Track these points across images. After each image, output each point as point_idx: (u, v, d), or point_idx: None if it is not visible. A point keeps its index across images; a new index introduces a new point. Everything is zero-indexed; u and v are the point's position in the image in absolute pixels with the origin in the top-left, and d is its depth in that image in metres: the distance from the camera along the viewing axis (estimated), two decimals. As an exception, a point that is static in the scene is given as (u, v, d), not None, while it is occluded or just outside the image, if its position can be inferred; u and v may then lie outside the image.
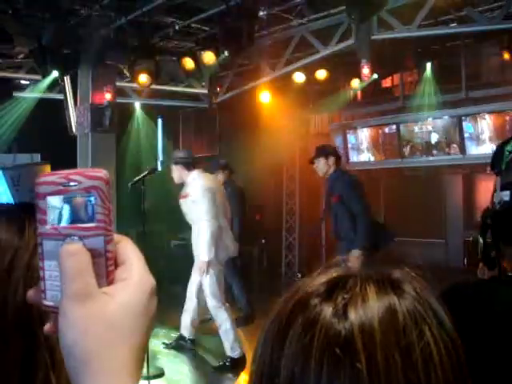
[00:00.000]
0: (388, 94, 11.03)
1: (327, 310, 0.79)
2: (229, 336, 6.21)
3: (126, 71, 9.00)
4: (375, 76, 9.36)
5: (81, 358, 0.60)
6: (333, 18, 8.02)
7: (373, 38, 7.69)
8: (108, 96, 8.47)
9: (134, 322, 0.63)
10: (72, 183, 0.64)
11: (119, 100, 9.42)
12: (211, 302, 6.22)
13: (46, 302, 0.65)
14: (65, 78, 9.02)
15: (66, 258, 0.62)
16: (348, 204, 6.25)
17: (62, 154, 9.14)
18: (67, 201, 0.65)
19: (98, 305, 0.61)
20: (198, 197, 6.22)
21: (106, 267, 0.64)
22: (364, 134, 10.77)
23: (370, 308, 0.78)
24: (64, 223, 0.65)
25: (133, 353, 0.62)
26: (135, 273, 0.65)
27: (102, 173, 0.65)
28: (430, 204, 10.34)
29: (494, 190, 2.06)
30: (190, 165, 6.48)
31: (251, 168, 12.38)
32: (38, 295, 0.66)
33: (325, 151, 6.65)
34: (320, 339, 0.77)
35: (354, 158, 10.91)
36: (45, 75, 8.78)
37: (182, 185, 6.57)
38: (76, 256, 0.62)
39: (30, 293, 0.67)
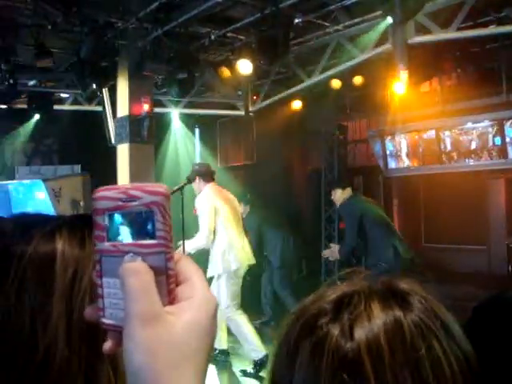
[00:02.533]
0: (427, 98, 10.89)
1: (334, 331, 0.78)
2: (248, 339, 6.32)
3: (163, 82, 9.10)
4: (413, 81, 9.26)
5: (148, 379, 0.59)
6: (369, 24, 7.96)
7: (410, 42, 7.60)
8: (146, 107, 8.56)
9: (198, 342, 0.61)
10: (132, 199, 0.62)
11: (157, 110, 9.51)
12: (224, 311, 6.33)
13: (105, 320, 0.64)
14: (103, 90, 9.16)
15: (128, 277, 0.60)
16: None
17: (102, 164, 9.31)
18: (127, 217, 0.63)
19: (165, 326, 0.60)
20: (199, 210, 6.42)
21: (167, 285, 0.62)
22: (402, 140, 10.64)
23: (376, 325, 0.77)
24: (124, 240, 0.63)
25: (197, 372, 0.61)
26: (198, 292, 0.63)
27: (162, 188, 0.63)
28: (472, 210, 10.17)
29: None
30: (206, 177, 6.66)
31: (289, 175, 12.38)
32: (96, 313, 0.64)
33: (342, 183, 7.64)
34: (328, 363, 0.76)
35: (392, 164, 10.79)
36: (84, 88, 8.93)
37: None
38: (139, 274, 0.60)
39: (88, 310, 0.66)
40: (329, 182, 12.19)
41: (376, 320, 0.77)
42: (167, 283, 0.62)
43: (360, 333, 0.76)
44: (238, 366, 6.71)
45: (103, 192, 0.64)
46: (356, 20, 7.96)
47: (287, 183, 12.33)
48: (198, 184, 6.66)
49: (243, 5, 7.31)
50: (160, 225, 0.62)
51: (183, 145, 12.23)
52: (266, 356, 6.28)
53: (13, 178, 11.07)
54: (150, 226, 0.62)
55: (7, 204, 10.02)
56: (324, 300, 0.83)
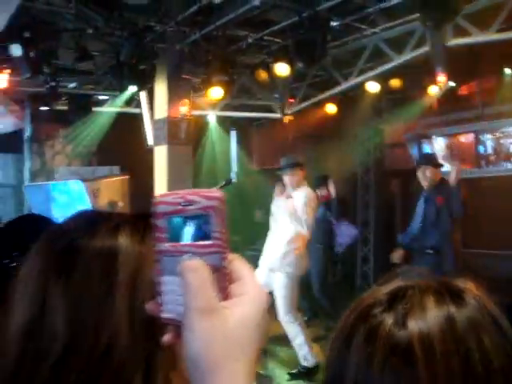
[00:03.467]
0: (465, 101, 10.76)
1: (388, 320, 0.82)
2: (303, 348, 6.21)
3: (200, 84, 9.18)
4: (452, 83, 9.17)
5: (205, 368, 0.64)
6: (406, 26, 7.92)
7: (448, 44, 7.53)
8: (184, 109, 8.65)
9: (251, 335, 0.66)
10: (189, 203, 0.67)
11: (194, 113, 9.60)
12: (283, 316, 6.20)
13: (165, 315, 0.69)
14: (141, 92, 9.29)
15: (189, 273, 0.65)
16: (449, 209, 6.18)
17: (140, 166, 9.42)
18: (185, 220, 0.68)
19: (221, 319, 0.65)
20: (306, 204, 6.42)
21: (222, 283, 0.67)
22: (440, 144, 10.54)
23: (429, 317, 0.80)
24: (182, 241, 0.68)
25: (250, 364, 0.65)
26: (251, 289, 0.68)
27: (218, 193, 0.68)
28: (510, 214, 10.00)
29: None
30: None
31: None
32: (157, 308, 0.70)
33: (436, 161, 6.63)
34: (381, 349, 0.79)
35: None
36: (123, 90, 9.07)
37: (255, 195, 6.66)
38: (198, 271, 0.65)
39: (149, 305, 0.72)
40: (365, 185, 12.14)
41: (429, 312, 0.80)
42: (222, 281, 0.67)
43: (413, 323, 0.79)
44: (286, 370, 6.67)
45: (163, 197, 0.69)
46: (393, 23, 7.92)
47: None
48: (298, 177, 6.53)
49: (281, 8, 7.34)
50: (216, 227, 0.67)
51: (220, 147, 12.30)
52: (318, 365, 6.21)
53: (52, 179, 11.27)
54: (206, 228, 0.67)
55: (47, 203, 10.20)
56: (379, 292, 0.87)
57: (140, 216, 1.02)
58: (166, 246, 0.68)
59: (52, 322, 0.89)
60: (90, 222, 0.98)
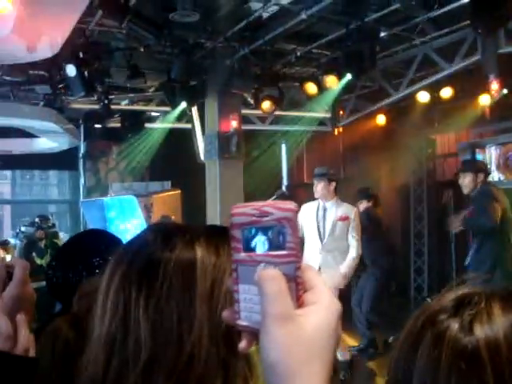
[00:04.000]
0: (519, 109, 10.54)
1: (454, 326, 0.82)
2: None
3: (250, 99, 9.25)
4: (505, 91, 9.00)
5: (283, 374, 0.65)
6: (457, 34, 7.82)
7: (500, 51, 7.40)
8: (234, 123, 8.73)
9: (326, 342, 0.67)
10: (264, 214, 0.70)
11: (245, 127, 9.67)
12: None
13: (241, 322, 0.71)
14: (192, 108, 9.42)
15: (266, 282, 0.68)
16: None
17: (192, 181, 9.55)
18: (261, 230, 0.70)
19: (298, 325, 0.66)
20: (352, 219, 6.47)
21: (296, 291, 0.69)
22: (494, 152, 10.34)
23: (495, 323, 0.80)
24: (258, 251, 0.70)
25: (324, 369, 0.67)
26: (324, 298, 0.70)
27: (292, 205, 0.70)
28: None
29: None
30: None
31: (377, 190, 12.22)
32: (233, 316, 0.72)
33: (475, 166, 6.31)
34: (448, 353, 0.80)
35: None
36: (174, 106, 9.21)
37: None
38: (275, 280, 0.68)
39: (225, 313, 0.74)
40: (418, 197, 11.99)
41: (496, 319, 0.81)
42: (296, 289, 0.69)
43: (479, 328, 0.80)
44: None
45: (239, 209, 0.72)
46: (443, 31, 7.83)
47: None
48: (330, 188, 6.48)
49: (328, 21, 7.36)
50: (290, 237, 0.69)
51: (271, 160, 12.32)
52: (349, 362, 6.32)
53: (107, 194, 11.50)
54: (281, 239, 0.69)
55: (102, 218, 10.42)
56: (445, 299, 0.88)
57: (214, 228, 1.07)
58: (242, 255, 0.71)
59: (136, 334, 0.92)
60: (165, 235, 1.01)
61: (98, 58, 7.76)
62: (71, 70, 7.34)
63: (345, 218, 6.42)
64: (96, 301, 0.98)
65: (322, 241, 6.42)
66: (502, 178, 10.27)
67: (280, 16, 7.16)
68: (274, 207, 0.69)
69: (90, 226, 10.23)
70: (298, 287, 0.69)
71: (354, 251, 6.40)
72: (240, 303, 0.71)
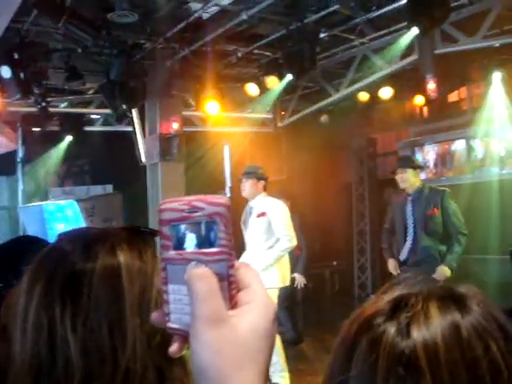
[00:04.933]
0: (456, 108, 10.82)
1: (391, 329, 0.79)
2: (275, 366, 6.05)
3: (191, 100, 9.19)
4: (441, 91, 9.21)
5: (214, 378, 0.62)
6: (394, 35, 7.96)
7: (436, 52, 7.58)
8: (175, 125, 8.66)
9: (259, 343, 0.64)
10: (195, 210, 0.65)
11: (186, 129, 9.60)
12: None
13: (171, 325, 0.67)
14: (133, 110, 9.29)
15: (195, 281, 0.64)
16: (444, 219, 6.02)
17: (133, 183, 9.43)
18: (191, 227, 0.66)
19: (230, 327, 0.63)
20: (276, 213, 6.13)
21: (229, 291, 0.65)
22: (432, 151, 10.58)
23: (433, 325, 0.78)
24: (188, 249, 0.66)
25: (259, 372, 0.64)
26: (259, 297, 0.66)
27: (223, 199, 0.66)
28: (505, 219, 10.01)
29: None
30: (265, 184, 6.34)
31: (319, 189, 12.36)
32: (162, 318, 0.68)
33: (413, 162, 6.37)
34: (384, 358, 0.77)
35: (422, 175, 10.70)
36: (114, 109, 9.06)
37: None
38: (205, 279, 0.64)
39: (155, 315, 0.69)
40: (359, 195, 12.15)
41: (433, 320, 0.78)
42: (229, 289, 0.65)
43: (416, 331, 0.77)
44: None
45: (168, 204, 0.67)
46: (381, 32, 7.96)
47: (318, 197, 12.30)
48: (258, 187, 6.23)
49: (268, 21, 7.38)
50: (222, 234, 0.65)
51: (213, 162, 12.29)
52: None
53: (46, 199, 11.24)
54: (212, 235, 0.65)
55: (42, 224, 10.17)
56: (381, 301, 0.85)
57: (133, 231, 1.01)
58: (171, 253, 0.66)
59: (66, 356, 0.86)
60: (85, 244, 0.95)
61: (35, 58, 7.56)
62: (6, 72, 7.13)
63: (261, 214, 6.12)
64: (13, 324, 0.90)
65: (246, 240, 6.27)
66: (439, 176, 10.51)
67: (220, 17, 7.14)
68: (205, 202, 0.65)
69: (29, 233, 9.97)
70: (230, 286, 0.65)
71: (280, 244, 6.01)
72: (170, 304, 0.67)
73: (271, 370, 5.97)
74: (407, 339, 0.77)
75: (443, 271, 5.81)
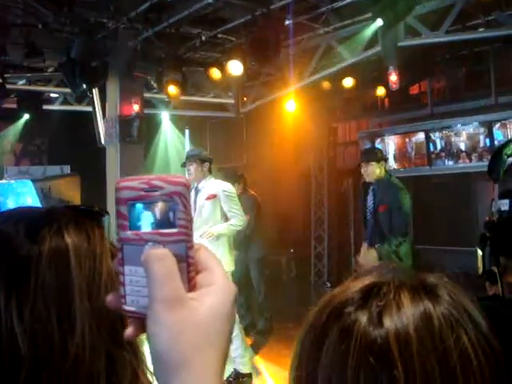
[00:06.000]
0: (416, 100, 10.96)
1: (362, 318, 0.79)
2: (237, 351, 6.06)
3: (153, 82, 9.09)
4: (403, 83, 9.30)
5: (173, 362, 0.61)
6: (359, 26, 7.99)
7: (400, 44, 7.64)
8: (136, 107, 8.54)
9: (220, 326, 0.63)
10: (154, 189, 0.63)
11: (147, 111, 9.50)
12: None
13: (127, 307, 0.65)
14: (93, 90, 9.14)
15: (153, 263, 0.62)
16: (391, 215, 6.02)
17: (91, 165, 9.29)
18: (149, 206, 0.64)
19: (189, 309, 0.62)
20: (227, 195, 6.10)
21: (187, 273, 0.64)
22: (392, 142, 10.70)
23: (405, 314, 0.78)
24: (146, 229, 0.64)
25: (219, 355, 0.63)
26: (219, 279, 0.65)
27: (183, 178, 0.64)
28: (461, 211, 10.22)
29: (493, 199, 1.96)
30: (210, 166, 6.29)
31: (279, 177, 12.40)
32: (118, 300, 0.66)
33: (376, 155, 6.33)
34: (356, 348, 0.77)
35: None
36: (74, 88, 8.89)
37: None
38: (163, 260, 0.62)
39: (110, 298, 0.67)
40: (319, 184, 12.23)
41: (405, 309, 0.78)
42: (188, 271, 0.64)
43: (388, 321, 0.77)
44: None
45: (126, 182, 0.65)
46: (346, 22, 7.99)
47: (277, 185, 12.35)
48: (203, 169, 6.12)
49: (234, 6, 7.32)
50: (181, 214, 0.63)
51: (173, 146, 12.22)
52: (250, 373, 6.08)
53: (1, 178, 11.02)
54: (171, 216, 0.63)
55: (-5, 204, 9.97)
56: (352, 289, 0.84)
57: (79, 211, 0.97)
58: (128, 233, 0.64)
59: (12, 347, 0.82)
60: (29, 227, 0.90)
61: (-8, 33, 7.37)
62: (-38, 46, 6.94)
63: (212, 196, 6.07)
64: None
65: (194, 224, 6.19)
66: (399, 167, 10.64)
67: (185, -1, 7.06)
68: (164, 181, 0.63)
69: (-17, 211, 9.76)
70: (189, 268, 0.64)
71: (233, 220, 6.04)
72: (126, 286, 0.65)
73: (233, 355, 5.98)
74: (379, 328, 0.77)
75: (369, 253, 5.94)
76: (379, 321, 0.78)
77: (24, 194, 9.73)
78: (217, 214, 6.10)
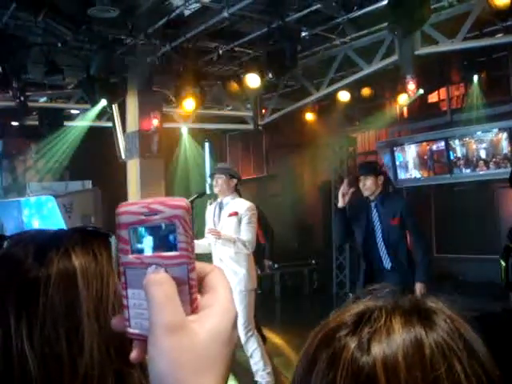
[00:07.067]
0: (435, 108, 10.89)
1: (351, 345, 0.76)
2: (258, 365, 6.05)
3: (172, 97, 9.16)
4: (421, 91, 9.27)
5: None
6: (375, 35, 7.99)
7: (416, 53, 7.62)
8: (155, 122, 8.61)
9: (220, 350, 0.63)
10: (154, 213, 0.64)
11: (166, 125, 9.56)
12: (241, 330, 5.98)
13: (131, 330, 0.66)
14: (113, 106, 9.23)
15: (152, 288, 0.62)
16: (407, 229, 5.83)
17: (112, 180, 9.37)
18: (150, 230, 0.64)
19: (188, 334, 0.61)
20: (248, 216, 6.06)
21: (189, 295, 0.64)
22: (412, 151, 10.64)
23: (395, 341, 0.75)
24: (147, 252, 0.65)
25: (218, 379, 0.62)
26: (222, 301, 0.65)
27: (183, 202, 0.65)
28: (483, 219, 10.11)
29: None
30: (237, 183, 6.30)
31: (299, 188, 12.39)
32: (122, 323, 0.66)
33: (375, 169, 6.15)
34: (343, 375, 0.74)
35: (402, 175, 10.78)
36: (93, 104, 9.00)
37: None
38: (163, 285, 0.62)
39: (114, 321, 0.68)
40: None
41: (395, 336, 0.75)
42: (189, 293, 0.64)
43: (377, 347, 0.74)
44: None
45: (126, 207, 0.66)
46: (363, 32, 7.99)
47: (298, 195, 12.33)
48: (231, 184, 6.05)
49: (250, 19, 7.37)
50: (181, 237, 0.64)
51: (193, 159, 12.27)
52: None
53: (24, 195, 11.15)
54: (171, 239, 0.64)
55: (19, 220, 10.09)
56: (346, 314, 0.81)
57: (85, 233, 0.99)
58: (130, 257, 0.65)
59: (22, 368, 0.84)
60: (37, 249, 0.92)
61: (14, 52, 7.48)
62: (-16, 66, 7.05)
63: (234, 214, 6.03)
64: None
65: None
66: (419, 176, 10.58)
67: (202, 13, 7.12)
68: (163, 204, 0.64)
69: (6, 229, 9.88)
70: (191, 290, 0.64)
71: (244, 237, 5.95)
72: (130, 309, 0.66)
73: (254, 368, 5.99)
74: (367, 355, 0.74)
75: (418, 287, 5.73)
76: (368, 347, 0.75)
77: (47, 210, 9.83)
78: (237, 232, 6.09)
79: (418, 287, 5.50)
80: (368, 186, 5.93)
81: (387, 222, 5.86)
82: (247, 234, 5.99)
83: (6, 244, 0.96)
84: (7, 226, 10.26)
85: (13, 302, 0.87)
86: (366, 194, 5.99)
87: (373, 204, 5.96)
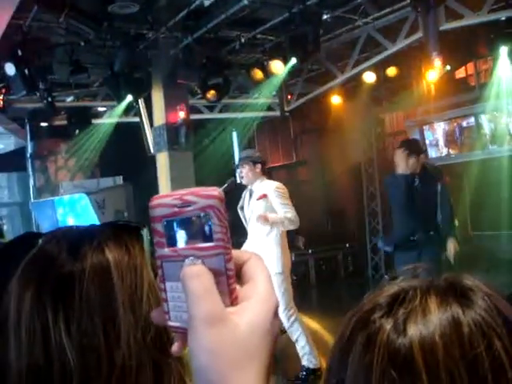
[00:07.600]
0: (463, 84, 10.72)
1: (387, 326, 0.75)
2: (305, 349, 6.08)
3: (197, 88, 9.17)
4: (448, 67, 9.12)
5: (212, 379, 0.60)
6: (398, 14, 7.88)
7: (441, 28, 7.49)
8: (182, 114, 8.64)
9: (261, 341, 0.62)
10: (187, 204, 0.63)
11: (193, 117, 9.58)
12: (283, 317, 5.92)
13: (171, 323, 0.65)
14: (139, 100, 9.29)
15: (190, 280, 0.61)
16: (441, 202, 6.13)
17: (143, 174, 9.44)
18: (184, 222, 0.64)
19: (228, 326, 0.61)
20: (281, 194, 6.03)
21: (227, 286, 0.63)
22: (441, 128, 10.51)
23: (431, 321, 0.73)
24: (183, 245, 0.64)
25: (260, 372, 0.61)
26: (261, 291, 0.64)
27: (216, 191, 0.64)
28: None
29: None
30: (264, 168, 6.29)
31: (329, 172, 12.33)
32: (162, 316, 0.66)
33: (414, 148, 6.36)
34: (379, 358, 0.73)
35: (432, 153, 10.66)
36: (120, 100, 9.06)
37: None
38: (200, 277, 0.61)
39: (154, 314, 0.68)
40: (370, 176, 12.11)
41: (431, 316, 0.74)
42: (228, 284, 0.63)
43: (413, 328, 0.73)
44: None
45: (159, 200, 0.65)
46: (385, 11, 7.89)
47: (328, 180, 12.29)
48: (256, 171, 6.06)
49: (270, 5, 7.33)
50: (217, 227, 0.63)
51: (221, 149, 12.28)
52: (319, 368, 6.07)
53: (57, 194, 11.30)
54: (207, 230, 0.63)
55: (54, 219, 10.23)
56: (380, 295, 0.80)
57: (118, 227, 1.00)
58: (166, 251, 0.64)
59: (62, 360, 0.86)
60: (71, 245, 0.94)
61: (38, 54, 7.56)
62: (10, 69, 7.14)
63: (263, 196, 6.04)
64: (5, 332, 0.89)
65: (247, 225, 6.25)
66: (450, 153, 10.45)
67: (221, 3, 7.10)
68: (196, 195, 0.63)
69: (42, 228, 10.04)
70: (229, 281, 0.63)
71: (289, 214, 5.90)
72: (168, 302, 0.65)
73: (300, 353, 6.04)
74: (403, 337, 0.73)
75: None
76: (404, 329, 0.73)
77: (80, 208, 9.95)
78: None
79: (451, 242, 5.91)
80: (411, 164, 6.15)
81: (425, 195, 6.12)
82: (286, 210, 5.96)
83: (40, 242, 0.98)
84: (42, 225, 10.42)
85: (49, 297, 0.88)
86: (400, 169, 6.21)
87: (416, 179, 6.16)
